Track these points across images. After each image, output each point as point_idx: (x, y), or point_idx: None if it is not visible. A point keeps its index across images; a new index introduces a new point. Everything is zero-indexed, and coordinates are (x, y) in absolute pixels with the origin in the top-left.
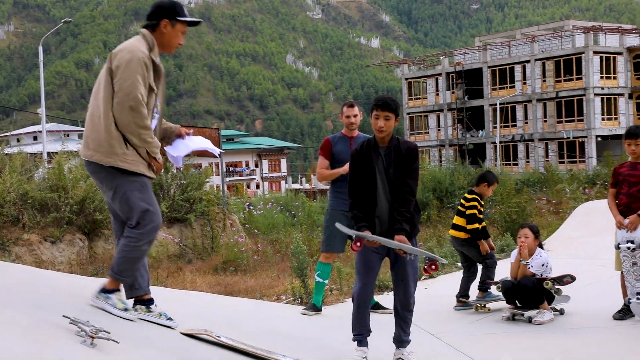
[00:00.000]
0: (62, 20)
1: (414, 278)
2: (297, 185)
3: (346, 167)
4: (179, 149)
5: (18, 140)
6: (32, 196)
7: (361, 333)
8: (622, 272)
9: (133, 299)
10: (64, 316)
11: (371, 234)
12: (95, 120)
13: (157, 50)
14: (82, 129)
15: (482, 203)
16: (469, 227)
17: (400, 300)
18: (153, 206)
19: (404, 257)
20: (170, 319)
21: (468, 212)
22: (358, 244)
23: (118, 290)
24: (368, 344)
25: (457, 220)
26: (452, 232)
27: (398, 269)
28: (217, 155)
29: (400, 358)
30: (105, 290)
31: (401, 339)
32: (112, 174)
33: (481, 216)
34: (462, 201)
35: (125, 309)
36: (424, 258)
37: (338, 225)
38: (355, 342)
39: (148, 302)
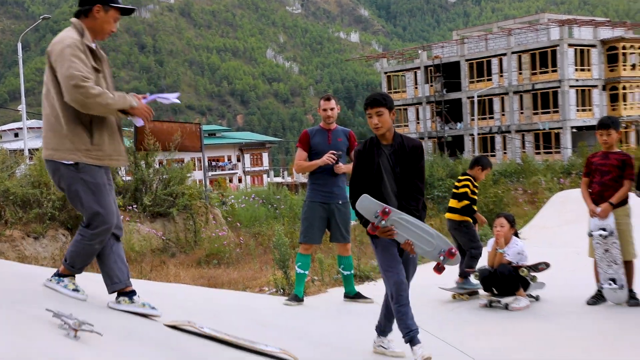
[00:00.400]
0: (41, 17)
1: (412, 275)
2: (279, 179)
3: (324, 159)
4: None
5: (16, 135)
6: (13, 192)
7: (413, 329)
8: (595, 259)
9: (115, 293)
10: (47, 310)
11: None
12: (52, 120)
13: (89, 35)
14: None
15: (476, 184)
16: (460, 204)
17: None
18: (105, 208)
19: (408, 255)
20: (153, 308)
21: (460, 190)
22: (373, 226)
23: (72, 275)
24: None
25: (452, 202)
26: (447, 214)
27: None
28: (177, 100)
29: (381, 346)
30: (59, 275)
31: (383, 329)
32: (70, 172)
33: (475, 197)
34: (456, 183)
35: (75, 290)
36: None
37: (365, 196)
38: (409, 342)
39: (130, 294)
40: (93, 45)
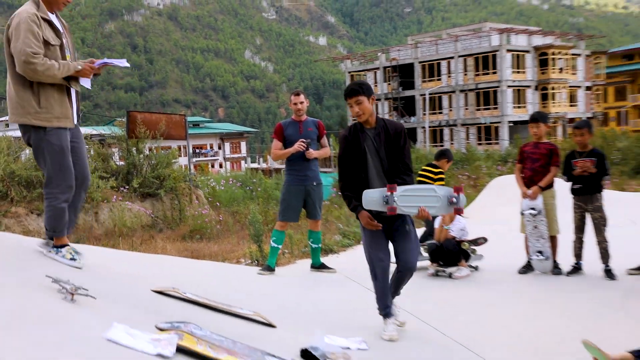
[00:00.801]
0: None
1: (416, 247)
2: (255, 165)
3: (296, 147)
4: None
5: (7, 126)
6: (18, 174)
7: (388, 306)
8: (525, 234)
9: (50, 239)
10: (47, 276)
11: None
12: (8, 89)
13: (44, 7)
14: None
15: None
16: None
17: (406, 268)
18: (66, 166)
19: (402, 232)
20: (73, 258)
21: (437, 183)
22: (391, 208)
23: (67, 245)
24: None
25: None
26: None
27: (398, 240)
28: (126, 64)
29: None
30: (56, 246)
31: (395, 284)
32: (35, 134)
33: (443, 183)
34: (427, 174)
35: (73, 259)
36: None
37: (365, 193)
38: (384, 315)
39: (60, 247)
40: (50, 16)
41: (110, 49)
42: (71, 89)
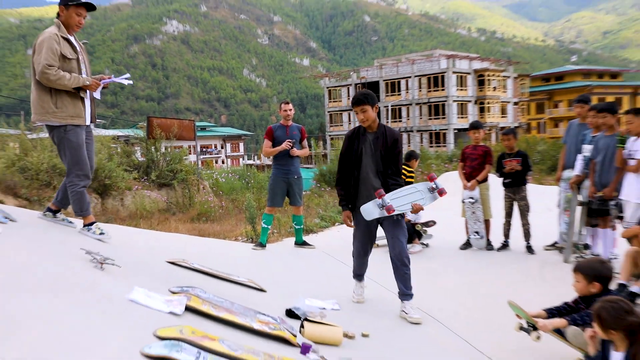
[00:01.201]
0: (82, 42)
1: (404, 234)
2: (250, 162)
3: (283, 145)
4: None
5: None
6: (59, 167)
7: (361, 274)
8: (465, 218)
9: (48, 208)
10: (81, 249)
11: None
12: (32, 94)
13: (64, 30)
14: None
15: (413, 171)
16: None
17: (395, 255)
18: (82, 159)
19: (390, 222)
20: (71, 222)
21: (408, 180)
22: (389, 209)
23: (94, 222)
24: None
25: None
26: None
27: (388, 228)
28: (129, 82)
29: (403, 311)
30: (86, 225)
31: (404, 293)
32: (57, 133)
33: (412, 180)
34: (404, 171)
35: (102, 234)
36: (432, 190)
37: (362, 209)
38: (356, 278)
39: (55, 212)
40: (69, 37)
41: (135, 66)
42: (87, 95)
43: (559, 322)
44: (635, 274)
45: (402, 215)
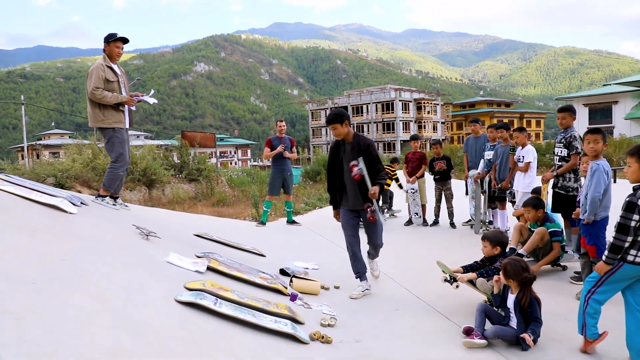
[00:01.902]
0: (136, 79)
1: (380, 232)
2: (255, 163)
3: (278, 149)
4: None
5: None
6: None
7: (359, 271)
8: (408, 203)
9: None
10: (133, 224)
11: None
12: (88, 107)
13: (108, 59)
14: (145, 132)
15: (395, 171)
16: (390, 182)
17: (372, 247)
18: (125, 152)
19: (371, 220)
20: (124, 204)
21: (394, 176)
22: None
23: (107, 196)
24: (367, 279)
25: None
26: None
27: (368, 228)
28: (154, 100)
29: (370, 268)
30: (100, 196)
31: (371, 254)
32: (104, 132)
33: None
34: (389, 170)
35: (114, 204)
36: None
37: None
38: (358, 278)
39: (115, 198)
40: (112, 65)
41: (173, 95)
42: (125, 107)
43: (471, 275)
44: (521, 241)
45: (379, 215)
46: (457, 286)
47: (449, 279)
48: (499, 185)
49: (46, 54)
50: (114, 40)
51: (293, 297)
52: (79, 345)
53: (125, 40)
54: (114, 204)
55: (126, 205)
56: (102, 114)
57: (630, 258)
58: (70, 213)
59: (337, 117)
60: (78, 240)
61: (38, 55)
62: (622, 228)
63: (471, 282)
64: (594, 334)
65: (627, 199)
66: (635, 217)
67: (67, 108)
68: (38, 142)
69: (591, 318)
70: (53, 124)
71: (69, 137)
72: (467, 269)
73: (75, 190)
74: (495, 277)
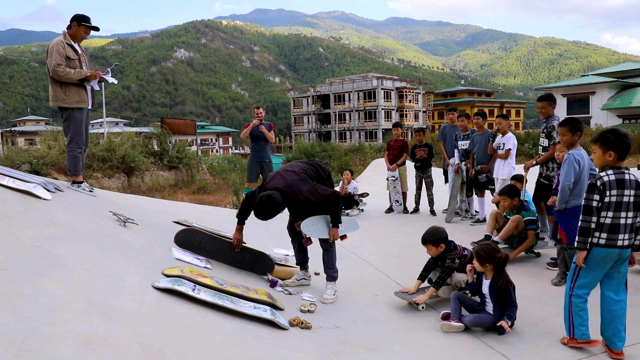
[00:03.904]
0: (114, 64)
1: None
2: (237, 151)
3: (254, 122)
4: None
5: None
6: (97, 154)
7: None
8: (389, 191)
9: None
10: (110, 211)
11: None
12: (49, 86)
13: (69, 38)
14: (124, 119)
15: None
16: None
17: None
18: (82, 132)
19: (307, 244)
20: (91, 190)
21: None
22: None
23: (82, 182)
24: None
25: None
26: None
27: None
28: (113, 79)
29: (325, 288)
30: (75, 182)
31: (328, 273)
32: (64, 111)
33: None
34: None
35: (90, 190)
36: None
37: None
38: (299, 265)
39: (79, 182)
40: (72, 43)
41: (153, 82)
42: (87, 85)
43: (429, 292)
44: (496, 228)
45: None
46: (422, 307)
47: (415, 305)
48: (478, 167)
49: (20, 38)
50: (85, 25)
51: (273, 284)
52: (52, 333)
53: (96, 29)
54: (90, 191)
55: (91, 190)
56: (64, 93)
57: (594, 240)
58: (44, 199)
59: (433, 236)
60: (52, 227)
61: (11, 39)
62: (586, 209)
63: (435, 295)
64: (583, 335)
65: (589, 181)
66: (596, 197)
67: (43, 94)
68: (13, 129)
69: (578, 317)
70: (29, 109)
71: (45, 123)
72: (422, 275)
73: (52, 177)
74: (469, 266)
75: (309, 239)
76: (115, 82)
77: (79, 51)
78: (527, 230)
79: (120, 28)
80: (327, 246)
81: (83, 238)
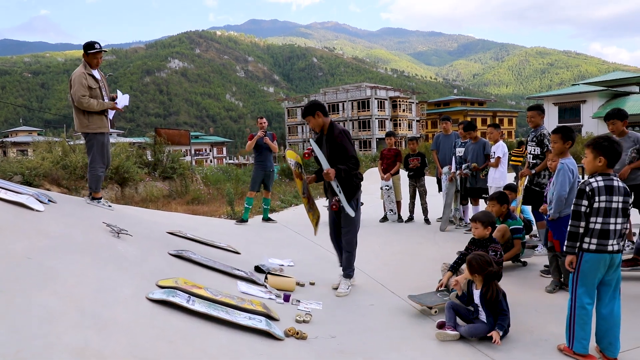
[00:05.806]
0: (108, 74)
1: (354, 229)
2: (231, 161)
3: (259, 134)
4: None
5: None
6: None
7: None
8: (383, 200)
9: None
10: (103, 222)
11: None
12: (74, 114)
13: (88, 68)
14: (118, 130)
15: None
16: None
17: (344, 243)
18: (102, 154)
19: (334, 209)
20: (110, 205)
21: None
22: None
23: (101, 198)
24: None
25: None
26: None
27: (342, 220)
28: (125, 102)
29: (340, 282)
30: (94, 199)
31: (345, 271)
32: (89, 137)
33: None
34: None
35: (110, 206)
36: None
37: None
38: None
39: (99, 199)
40: (92, 72)
41: (147, 92)
42: (107, 112)
43: (464, 276)
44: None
45: (355, 209)
46: (435, 311)
47: (453, 295)
48: (471, 166)
49: (13, 48)
50: (93, 52)
51: (286, 298)
52: (45, 345)
53: (100, 50)
54: (109, 206)
55: (110, 206)
56: (87, 120)
57: (585, 246)
58: (36, 210)
59: (308, 109)
60: (45, 238)
61: (4, 49)
62: (575, 214)
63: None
64: (583, 349)
65: (578, 187)
66: (585, 202)
67: (35, 104)
68: (5, 140)
69: (581, 330)
70: (21, 120)
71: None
72: (454, 267)
73: (44, 188)
74: (453, 281)
75: (335, 203)
76: (127, 104)
77: (99, 78)
78: (514, 239)
79: (114, 38)
80: (349, 227)
81: (76, 249)
